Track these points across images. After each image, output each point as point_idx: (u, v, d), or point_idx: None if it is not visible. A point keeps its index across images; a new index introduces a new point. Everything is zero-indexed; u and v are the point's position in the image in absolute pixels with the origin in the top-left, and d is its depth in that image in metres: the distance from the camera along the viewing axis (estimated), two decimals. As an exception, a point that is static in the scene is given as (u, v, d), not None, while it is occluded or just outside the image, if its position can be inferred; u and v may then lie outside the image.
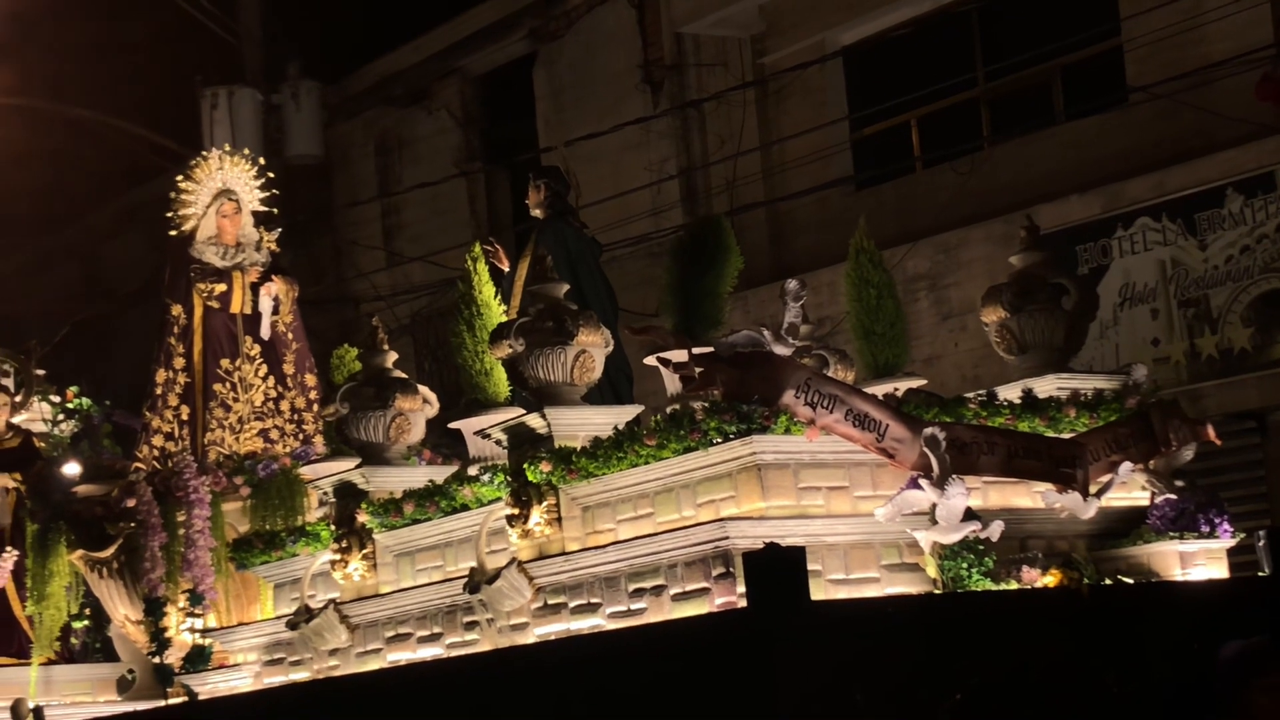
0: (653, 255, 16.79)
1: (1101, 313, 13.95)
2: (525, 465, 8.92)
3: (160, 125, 21.37)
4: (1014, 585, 8.15)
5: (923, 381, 9.95)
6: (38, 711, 11.77)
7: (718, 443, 8.22)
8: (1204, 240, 13.88)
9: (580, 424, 9.01)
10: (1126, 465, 8.62)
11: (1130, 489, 8.97)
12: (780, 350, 8.24)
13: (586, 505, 8.92)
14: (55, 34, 21.00)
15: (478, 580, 9.09)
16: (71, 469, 12.80)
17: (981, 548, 8.13)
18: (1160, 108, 14.48)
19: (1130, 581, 8.47)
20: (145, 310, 13.95)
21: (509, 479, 9.09)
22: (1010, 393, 9.11)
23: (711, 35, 18.17)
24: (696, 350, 8.25)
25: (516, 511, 8.99)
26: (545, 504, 8.92)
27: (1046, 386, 9.23)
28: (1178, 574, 8.64)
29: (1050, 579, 8.21)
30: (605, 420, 8.94)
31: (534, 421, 9.02)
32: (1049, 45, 15.66)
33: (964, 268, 15.49)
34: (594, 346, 9.13)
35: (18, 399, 14.78)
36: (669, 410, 8.54)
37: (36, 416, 15.49)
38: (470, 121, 20.90)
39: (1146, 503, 8.89)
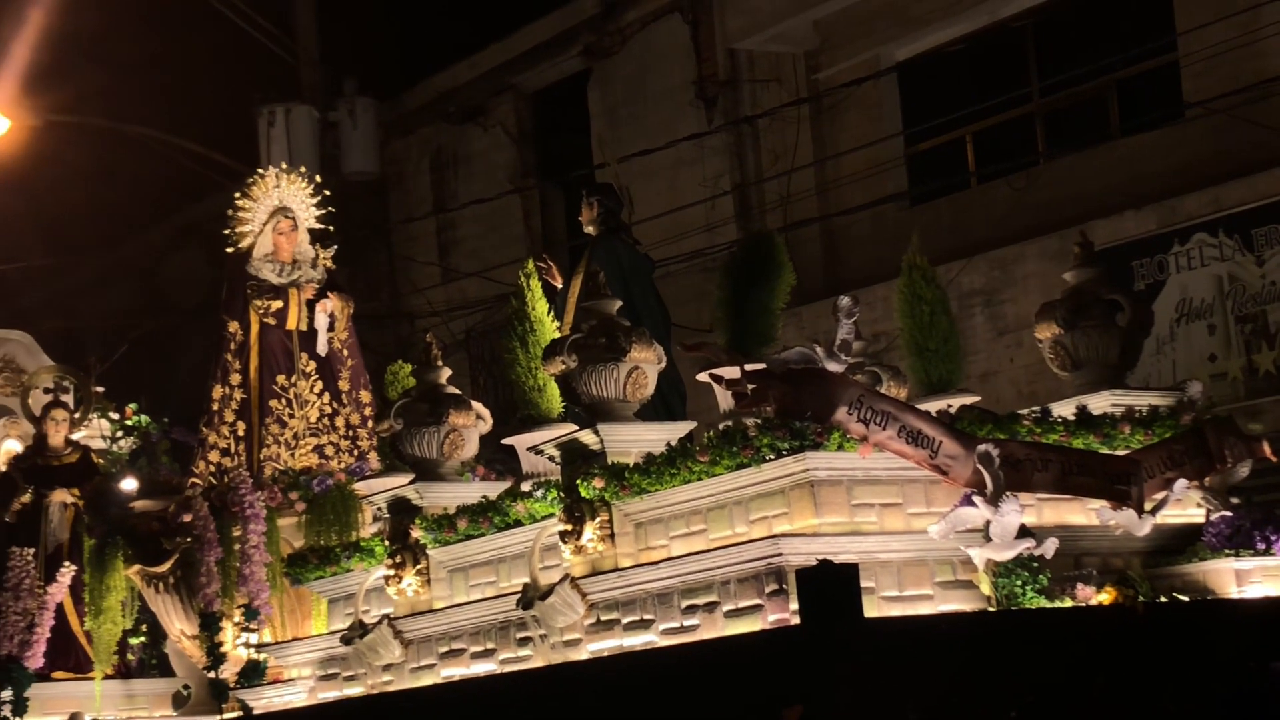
0: (707, 271, 16.79)
1: (1158, 329, 13.89)
2: (578, 481, 8.93)
3: (218, 143, 21.52)
4: (1069, 603, 8.11)
5: (976, 398, 9.91)
6: (94, 726, 11.85)
7: (770, 459, 8.21)
8: (1261, 256, 13.81)
9: (633, 440, 9.02)
10: (1181, 482, 8.57)
11: (1185, 506, 8.92)
12: (833, 367, 8.23)
13: (639, 521, 8.93)
14: (113, 53, 21.17)
15: (531, 596, 9.11)
16: (128, 484, 12.88)
17: (1036, 565, 8.09)
18: (1217, 122, 14.41)
19: (1185, 599, 8.41)
20: (204, 326, 14.04)
21: (562, 495, 9.10)
22: (1064, 409, 9.07)
23: (765, 51, 18.19)
24: (749, 367, 8.25)
25: (569, 527, 9.00)
26: (598, 520, 8.93)
27: (1101, 403, 9.19)
28: (1233, 591, 8.57)
29: (1105, 596, 8.17)
30: (658, 436, 8.95)
31: (587, 437, 9.03)
32: (1104, 60, 15.62)
33: (1019, 283, 15.44)
34: (646, 363, 9.14)
35: (76, 415, 14.91)
36: (722, 427, 8.54)
37: (96, 433, 15.62)
38: (525, 138, 20.97)
39: (1202, 520, 8.83)
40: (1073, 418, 8.91)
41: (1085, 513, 8.65)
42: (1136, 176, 14.98)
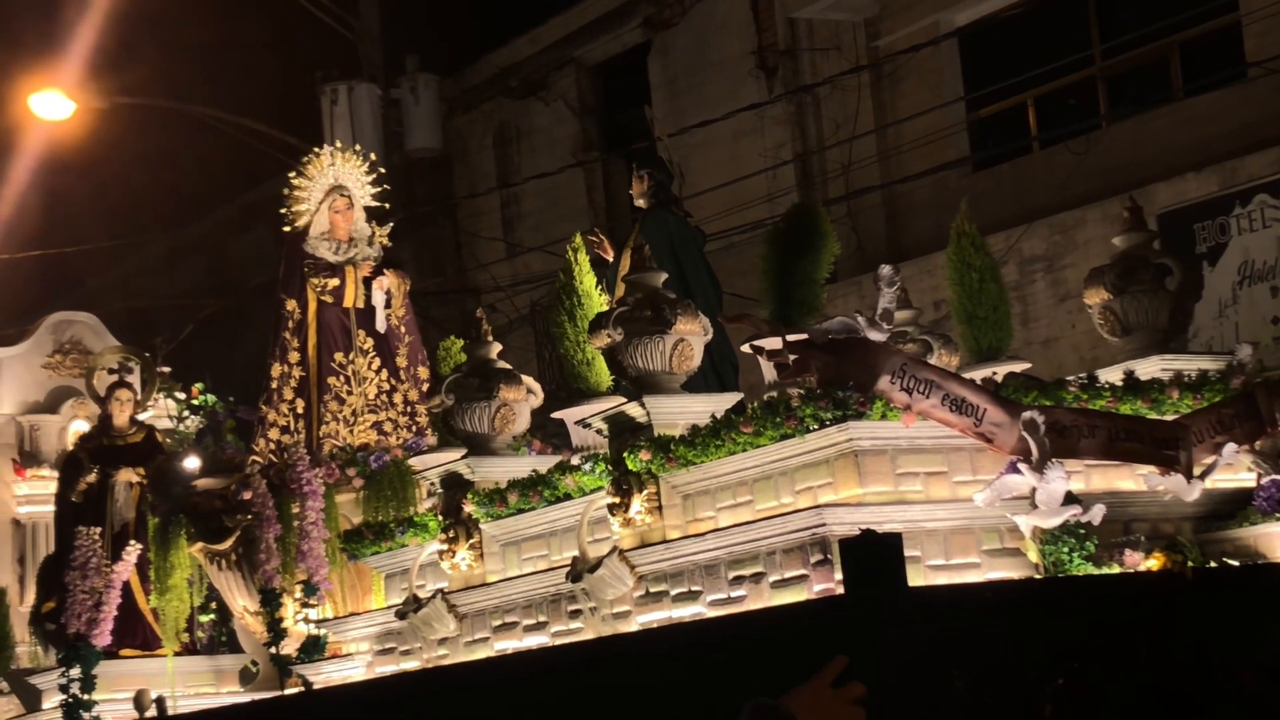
0: (764, 240, 16.75)
1: (1220, 291, 13.77)
2: (625, 454, 8.94)
3: (282, 122, 21.64)
4: (1116, 569, 8.05)
5: (1027, 365, 9.85)
6: (159, 702, 11.96)
7: (814, 429, 8.19)
8: (1323, 216, 13.65)
9: (679, 412, 9.01)
10: (1231, 446, 8.49)
11: (1236, 470, 8.83)
12: (875, 336, 8.18)
13: (686, 493, 8.93)
14: (177, 34, 21.33)
15: (580, 569, 9.13)
16: (191, 463, 13.00)
17: (1083, 531, 8.03)
18: (1278, 82, 14.24)
19: (1236, 564, 8.33)
20: (268, 305, 14.13)
21: (610, 468, 9.11)
22: (1112, 375, 9.00)
23: (825, 19, 18.11)
24: (791, 337, 8.22)
25: (618, 500, 9.01)
26: (646, 492, 8.93)
27: (1150, 368, 9.12)
28: (1286, 556, 8.50)
29: (1154, 562, 8.10)
30: (704, 408, 8.94)
31: (633, 410, 9.03)
32: (1166, 21, 15.45)
33: (1081, 248, 15.32)
34: (692, 335, 9.13)
35: (141, 395, 15.06)
36: (765, 398, 8.52)
37: (162, 412, 15.79)
38: (586, 111, 20.98)
39: (1253, 484, 8.74)
40: (1120, 383, 8.84)
41: (1134, 478, 8.58)
42: (1198, 138, 14.83)
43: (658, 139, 19.16)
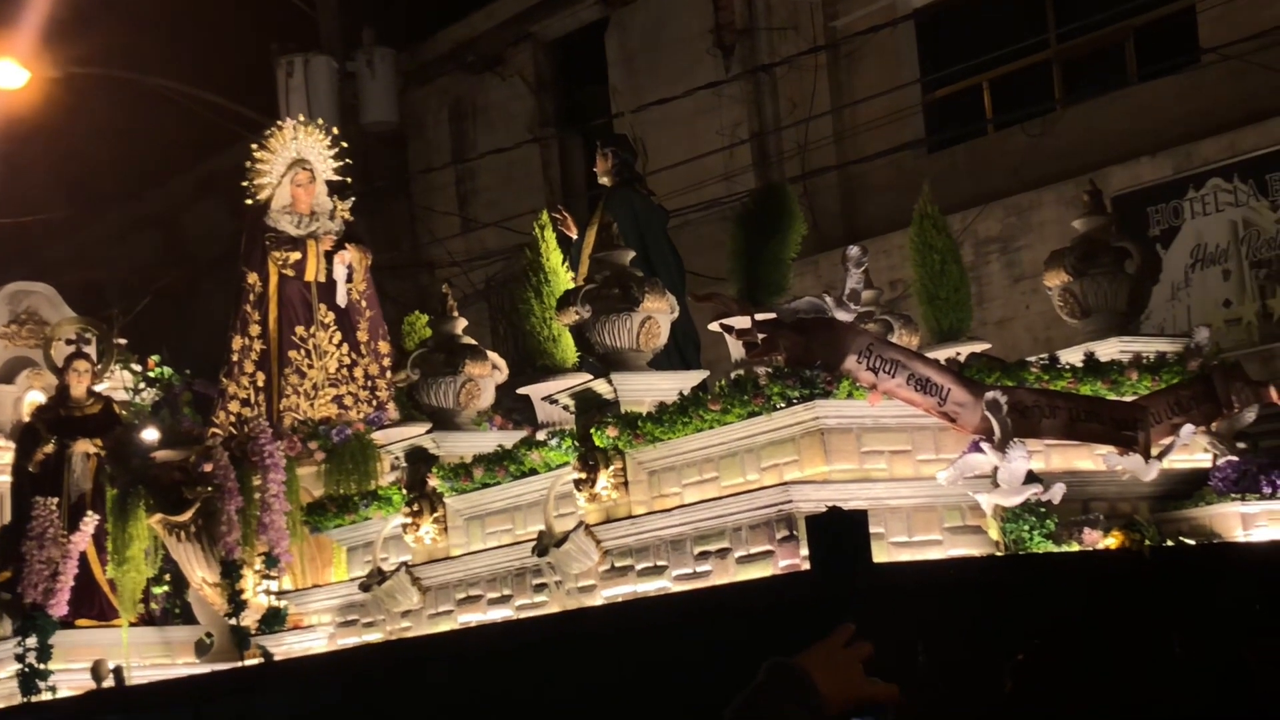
0: (725, 219, 16.79)
1: (1173, 274, 13.94)
2: (592, 430, 9.03)
3: (237, 94, 21.59)
4: (1076, 547, 8.19)
5: (987, 345, 9.98)
6: (118, 672, 11.99)
7: (781, 408, 8.29)
8: (1276, 201, 13.82)
9: (646, 389, 9.11)
10: (1189, 427, 8.64)
11: (1192, 451, 8.99)
12: (842, 316, 8.29)
13: (652, 470, 9.02)
14: (133, 4, 21.22)
15: (546, 544, 9.21)
16: (150, 434, 13.00)
17: (1043, 510, 8.16)
18: (1232, 68, 14.41)
19: (1192, 543, 8.48)
20: (225, 277, 14.15)
21: (576, 444, 9.20)
22: (1072, 356, 9.14)
23: (783, -1, 18.20)
24: (759, 316, 8.32)
25: (584, 476, 9.10)
26: (612, 468, 9.02)
27: (1109, 350, 9.25)
28: (1240, 535, 8.64)
29: (1112, 541, 8.24)
30: (670, 385, 9.03)
31: (600, 387, 9.12)
32: (1121, 6, 15.60)
33: (1035, 230, 15.48)
34: (659, 313, 9.22)
35: (98, 366, 15.03)
36: (733, 376, 8.61)
37: (118, 385, 15.74)
38: (543, 87, 21.01)
39: (1209, 465, 8.90)
40: (1080, 364, 8.98)
41: (1093, 458, 8.72)
42: (1152, 123, 14.99)
43: (618, 115, 19.22)
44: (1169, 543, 8.47)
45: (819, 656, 3.36)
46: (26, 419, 15.21)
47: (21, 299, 17.01)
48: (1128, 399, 8.80)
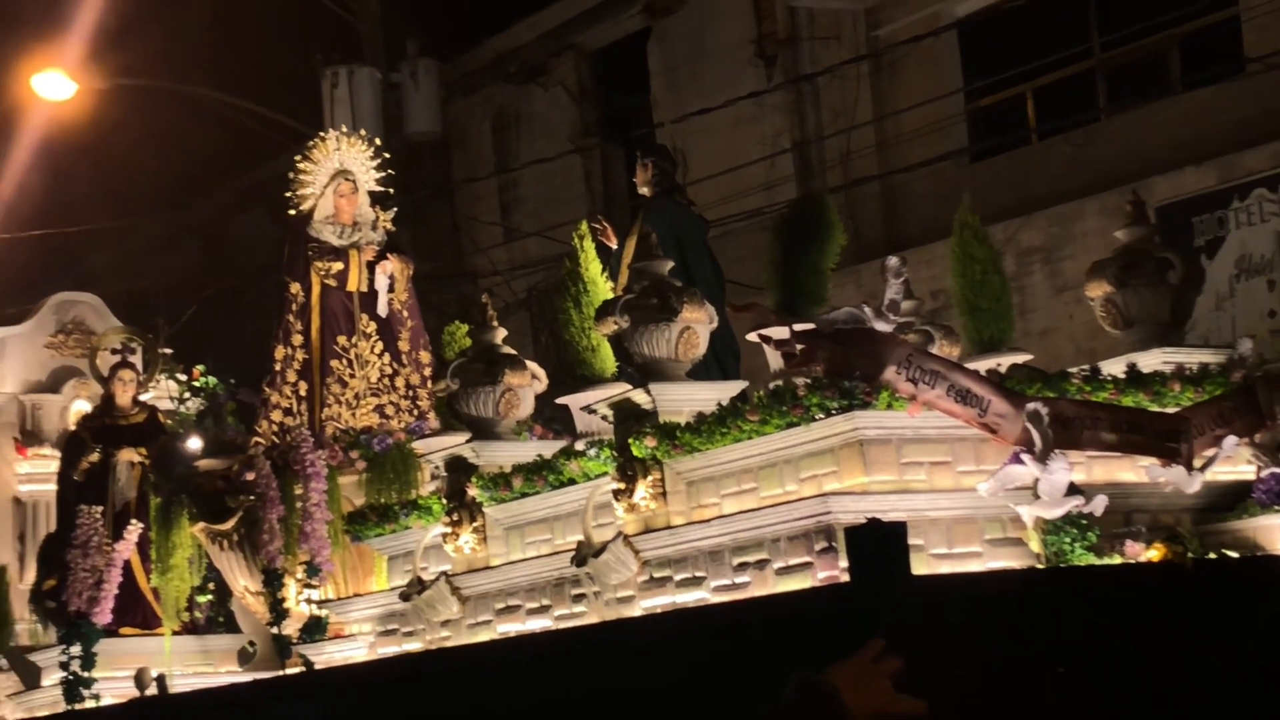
0: (766, 229, 16.77)
1: (1217, 285, 13.86)
2: (630, 440, 9.01)
3: (282, 104, 21.69)
4: (1118, 559, 8.14)
5: (1028, 356, 9.92)
6: (160, 681, 12.04)
7: (820, 418, 8.27)
8: (1321, 211, 13.74)
9: (684, 399, 9.09)
10: (1231, 439, 8.57)
11: (1235, 463, 8.91)
12: (881, 326, 8.25)
13: (691, 480, 9.00)
14: (179, 15, 21.35)
15: (585, 554, 9.21)
16: (193, 443, 13.07)
17: (1085, 522, 8.11)
18: (1278, 77, 14.33)
19: (1235, 555, 8.42)
20: (269, 287, 14.20)
21: (615, 454, 9.19)
22: (1115, 367, 9.09)
23: (825, 8, 18.19)
24: (798, 327, 8.30)
25: (622, 486, 9.09)
26: (650, 478, 9.01)
27: (1152, 361, 9.20)
28: (1284, 548, 8.59)
29: (1154, 553, 8.18)
30: (709, 396, 9.02)
31: (639, 397, 9.11)
32: (1166, 15, 15.54)
33: (1078, 240, 15.42)
34: (698, 323, 9.21)
35: (143, 376, 15.12)
36: (771, 386, 8.60)
37: (164, 394, 15.85)
38: (586, 97, 21.04)
39: (1252, 477, 8.83)
40: (1123, 375, 8.93)
41: (1135, 470, 8.66)
42: (1197, 132, 14.92)
43: (659, 125, 19.23)
44: (1211, 555, 8.42)
45: (847, 671, 3.36)
46: (72, 428, 15.33)
47: (68, 309, 17.16)
48: (1170, 410, 8.74)
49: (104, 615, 13.05)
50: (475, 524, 10.28)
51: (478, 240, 21.83)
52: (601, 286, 10.20)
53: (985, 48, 17.24)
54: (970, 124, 17.36)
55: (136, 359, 15.29)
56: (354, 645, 11.23)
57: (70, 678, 12.70)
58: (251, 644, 12.87)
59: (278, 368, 13.02)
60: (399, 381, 12.98)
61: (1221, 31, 15.35)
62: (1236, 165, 14.35)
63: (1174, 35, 15.66)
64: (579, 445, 9.71)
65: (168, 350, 16.54)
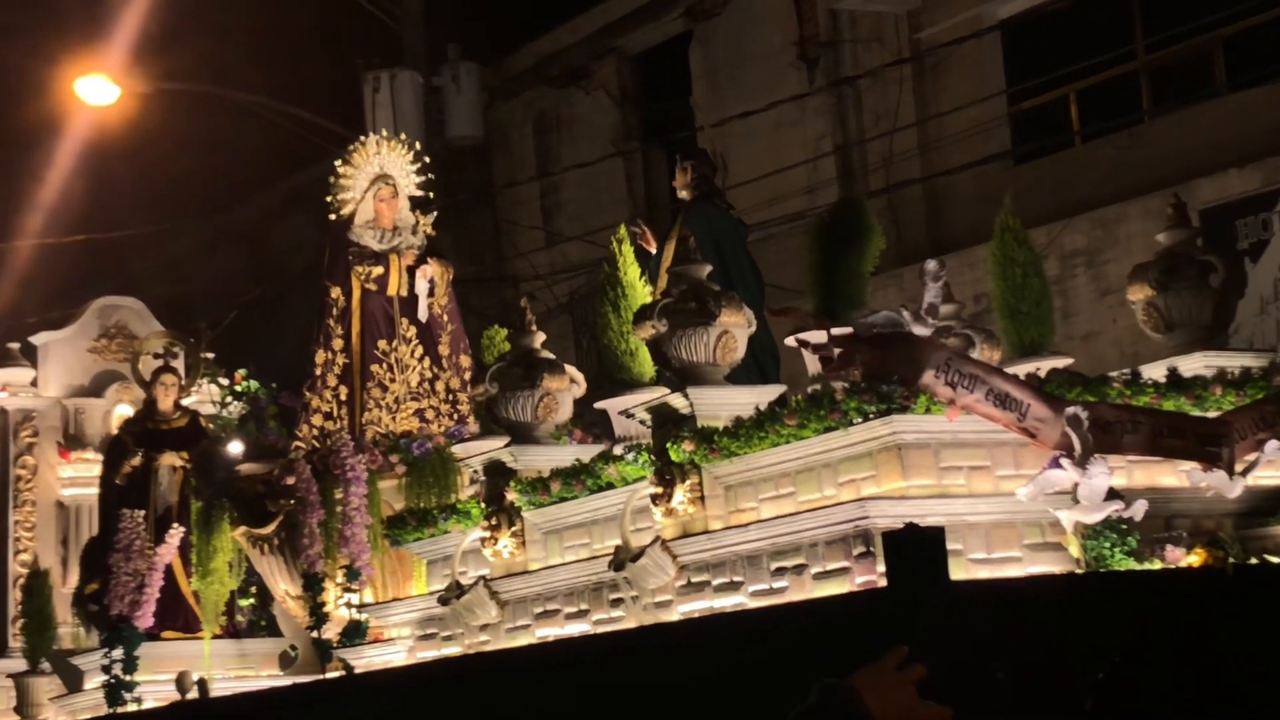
0: (808, 233, 16.77)
1: (1261, 288, 13.77)
2: (668, 444, 9.00)
3: (324, 108, 21.74)
4: (1158, 565, 8.09)
5: (1069, 360, 9.87)
6: (202, 684, 12.07)
7: (858, 423, 8.24)
8: (1367, 214, 13.64)
9: (723, 404, 9.07)
10: (1273, 443, 8.48)
11: (1277, 467, 8.85)
12: (920, 330, 8.20)
13: (729, 484, 8.99)
14: (222, 20, 21.42)
15: (622, 558, 9.20)
16: (235, 447, 13.09)
17: (1125, 527, 8.06)
18: (1323, 79, 14.24)
19: (1277, 561, 8.35)
20: (311, 291, 14.23)
21: (653, 458, 9.17)
22: (1155, 371, 9.03)
23: (867, 11, 18.13)
24: (836, 330, 8.26)
25: (660, 490, 9.08)
26: (688, 483, 8.99)
27: (1193, 365, 9.14)
28: (1327, 554, 8.51)
29: (1195, 558, 8.13)
30: (747, 400, 8.99)
31: (677, 401, 9.09)
32: (1210, 16, 15.43)
33: (1122, 243, 15.33)
34: (736, 327, 9.19)
35: (185, 380, 15.17)
36: (809, 390, 8.57)
37: (205, 398, 15.89)
38: (627, 101, 21.03)
39: (1295, 481, 8.78)
40: (1164, 379, 8.87)
41: (1176, 475, 8.61)
42: (1241, 134, 14.81)
43: (699, 129, 19.20)
44: (1253, 560, 8.35)
45: (871, 678, 3.34)
46: (114, 432, 15.39)
47: (111, 313, 17.22)
48: (1212, 415, 8.68)
49: (146, 619, 13.09)
50: (514, 528, 10.28)
51: (518, 244, 21.83)
52: (640, 290, 10.19)
53: (1028, 50, 17.16)
54: (1013, 127, 17.28)
55: (179, 363, 15.33)
56: (393, 649, 11.24)
57: (112, 681, 12.74)
58: (292, 648, 12.89)
59: (318, 372, 13.04)
60: (439, 386, 12.99)
61: (1266, 33, 15.23)
62: (1281, 168, 14.26)
63: (1218, 37, 15.55)
64: (617, 449, 9.70)
65: (209, 355, 16.57)
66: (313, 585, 11.66)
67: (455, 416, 12.87)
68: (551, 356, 10.62)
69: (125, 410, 16.09)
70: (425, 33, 21.78)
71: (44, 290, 21.05)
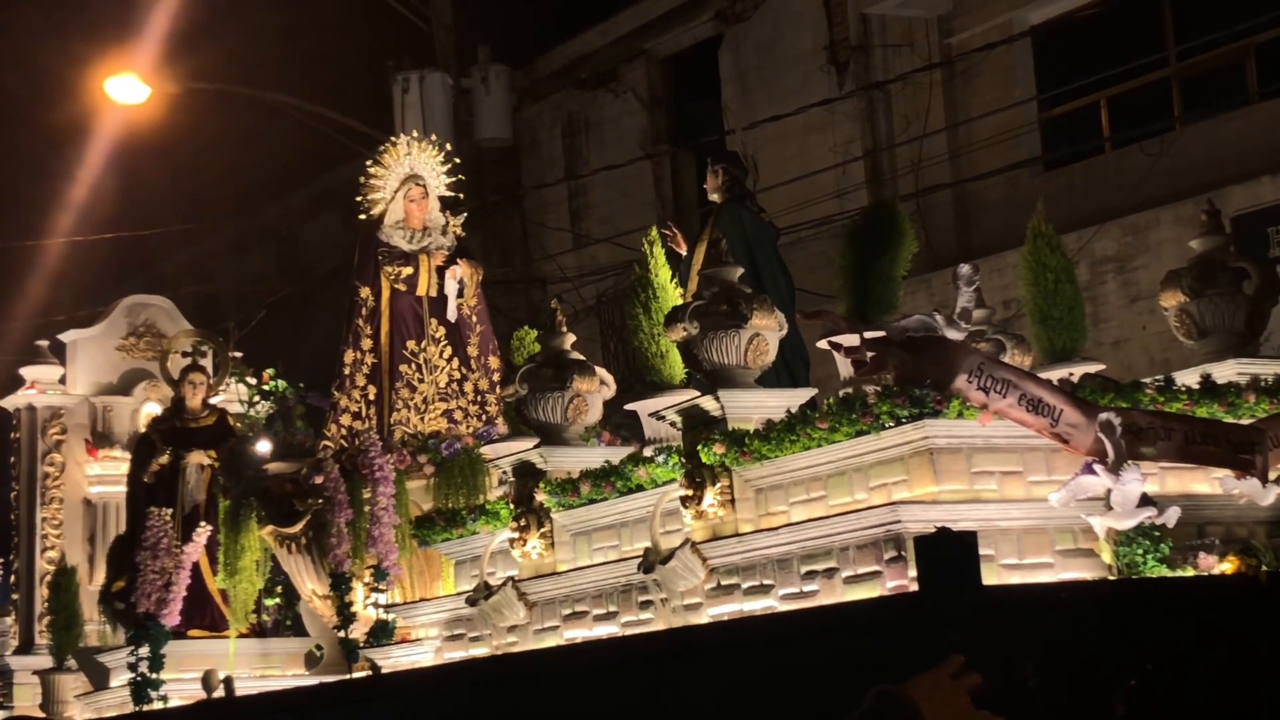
0: (837, 237, 16.73)
1: (1294, 296, 13.67)
2: (699, 447, 8.98)
3: (353, 109, 21.78)
4: (1190, 572, 8.05)
5: (1101, 366, 9.84)
6: (228, 683, 12.08)
7: (890, 426, 8.21)
8: (1400, 221, 13.57)
9: (754, 407, 9.05)
10: (1307, 452, 8.46)
11: (1312, 475, 8.81)
12: (952, 335, 8.19)
13: (759, 487, 8.96)
14: (252, 20, 21.47)
15: (652, 560, 9.18)
16: (263, 447, 13.11)
17: (1157, 534, 8.03)
18: (1357, 86, 14.18)
19: (1310, 570, 8.31)
20: (339, 291, 14.25)
21: (683, 460, 9.16)
22: (1189, 378, 9.00)
23: (898, 15, 18.10)
24: (868, 334, 8.25)
25: (690, 493, 9.06)
26: (719, 485, 8.97)
27: (1226, 371, 9.10)
28: (1360, 562, 8.47)
29: (1228, 566, 8.09)
30: (778, 403, 8.97)
31: (708, 404, 9.07)
32: (1242, 23, 15.37)
33: (1153, 249, 15.28)
34: (768, 330, 9.17)
35: (214, 379, 15.19)
36: (841, 394, 8.54)
37: (233, 397, 15.92)
38: (656, 103, 21.03)
39: (1328, 490, 8.71)
40: (1197, 386, 8.83)
41: (1209, 482, 8.57)
42: (1274, 141, 14.76)
43: (730, 132, 19.18)
44: (1286, 569, 8.31)
45: (926, 686, 3.32)
46: (142, 430, 15.41)
47: (139, 312, 17.26)
48: (1245, 422, 8.64)
49: (172, 617, 13.09)
50: (542, 529, 10.27)
51: (547, 246, 21.84)
52: (671, 293, 10.17)
53: (1059, 55, 17.12)
54: (1043, 132, 17.24)
55: (207, 362, 15.35)
56: (420, 650, 11.23)
57: (138, 679, 12.76)
58: (319, 647, 12.90)
59: (347, 372, 13.05)
60: (467, 386, 12.99)
61: (1299, 39, 15.18)
62: (1314, 175, 14.20)
63: (1250, 43, 15.49)
64: (647, 451, 9.69)
65: (238, 353, 16.61)
66: (340, 585, 11.66)
67: (484, 417, 12.87)
68: (581, 358, 10.62)
69: (153, 408, 16.12)
70: (455, 34, 21.81)
71: (73, 288, 21.14)
